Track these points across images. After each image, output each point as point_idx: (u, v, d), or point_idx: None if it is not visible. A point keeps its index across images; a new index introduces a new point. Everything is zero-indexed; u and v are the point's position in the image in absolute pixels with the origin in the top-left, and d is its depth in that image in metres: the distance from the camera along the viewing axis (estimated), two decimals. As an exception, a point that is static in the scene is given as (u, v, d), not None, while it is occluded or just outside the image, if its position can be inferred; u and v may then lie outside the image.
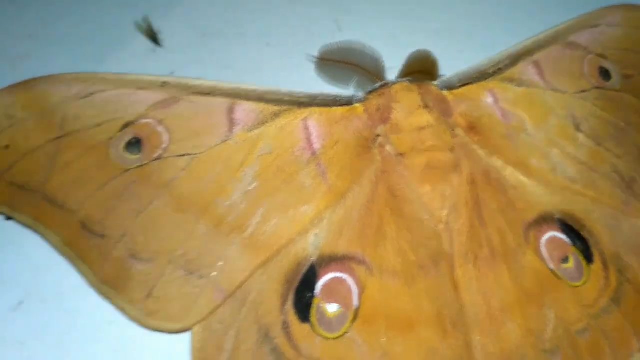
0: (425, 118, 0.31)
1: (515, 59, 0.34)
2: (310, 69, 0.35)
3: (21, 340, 0.30)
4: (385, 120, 0.31)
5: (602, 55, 0.35)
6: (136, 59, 0.40)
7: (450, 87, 0.33)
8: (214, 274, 0.29)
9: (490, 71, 0.34)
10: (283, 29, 0.42)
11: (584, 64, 0.35)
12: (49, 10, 0.42)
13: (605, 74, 0.35)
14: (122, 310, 0.29)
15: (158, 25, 0.41)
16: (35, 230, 0.30)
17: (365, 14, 0.42)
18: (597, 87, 0.35)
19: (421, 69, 0.34)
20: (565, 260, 0.30)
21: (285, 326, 0.28)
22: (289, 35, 0.41)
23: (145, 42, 0.41)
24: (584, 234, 0.31)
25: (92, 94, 0.30)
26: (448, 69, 0.34)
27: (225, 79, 0.33)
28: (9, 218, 0.32)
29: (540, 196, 0.32)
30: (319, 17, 0.41)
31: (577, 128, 0.33)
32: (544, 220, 0.31)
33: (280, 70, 0.40)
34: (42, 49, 0.41)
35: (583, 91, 0.34)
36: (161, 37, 0.40)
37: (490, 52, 0.35)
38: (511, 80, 0.33)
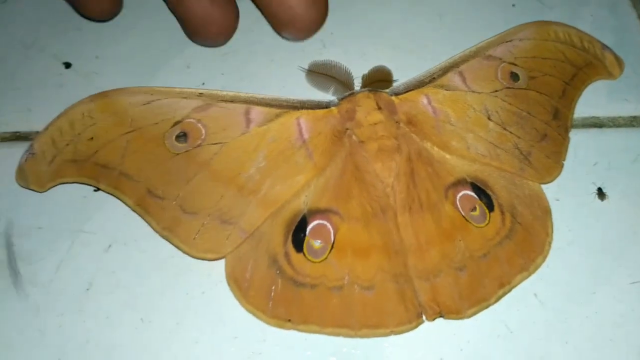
0: (378, 117, 0.38)
1: (445, 70, 0.40)
2: (302, 78, 0.42)
3: (113, 270, 0.37)
4: (351, 118, 0.38)
5: (512, 63, 0.41)
6: (176, 74, 0.46)
7: (397, 93, 0.40)
8: (239, 221, 0.36)
9: (427, 80, 0.40)
10: (283, 48, 0.48)
11: (497, 71, 0.41)
12: (111, 38, 0.48)
13: (515, 76, 0.41)
14: (178, 247, 0.36)
15: (190, 48, 0.47)
16: (115, 196, 0.37)
17: (344, 35, 0.48)
18: (508, 87, 0.40)
19: (379, 79, 0.40)
20: (473, 209, 0.37)
21: (287, 255, 0.35)
22: (287, 53, 0.47)
23: (182, 61, 0.46)
24: (488, 191, 0.38)
25: (151, 101, 0.37)
26: (403, 75, 0.41)
27: (242, 87, 0.40)
28: (96, 189, 0.38)
29: (457, 166, 0.39)
30: (309, 39, 0.47)
31: (489, 118, 0.40)
32: (459, 183, 0.38)
33: (281, 79, 0.46)
34: (107, 66, 0.47)
35: (496, 91, 0.40)
36: (191, 57, 0.46)
37: (435, 63, 0.41)
38: (442, 86, 0.40)
